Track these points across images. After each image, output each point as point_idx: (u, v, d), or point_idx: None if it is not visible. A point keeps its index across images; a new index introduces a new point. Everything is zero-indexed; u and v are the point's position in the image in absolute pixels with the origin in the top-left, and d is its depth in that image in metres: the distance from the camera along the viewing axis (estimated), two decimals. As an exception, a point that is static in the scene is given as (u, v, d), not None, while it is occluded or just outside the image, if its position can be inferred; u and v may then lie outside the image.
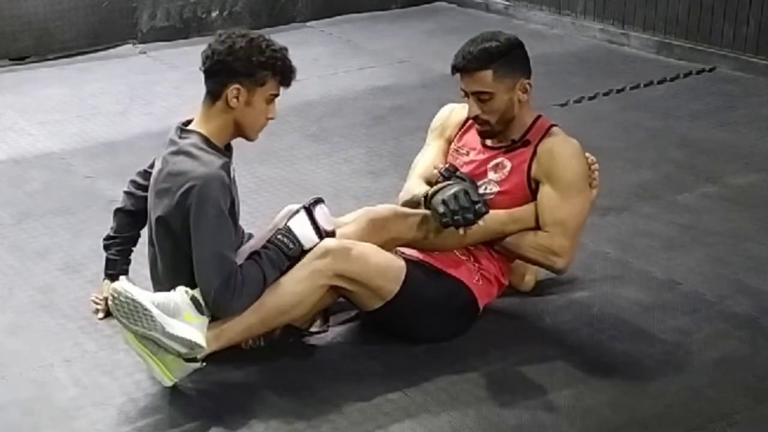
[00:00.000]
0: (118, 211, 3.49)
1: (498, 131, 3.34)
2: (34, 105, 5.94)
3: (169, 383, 3.01)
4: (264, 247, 3.13)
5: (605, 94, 5.98)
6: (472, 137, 3.45)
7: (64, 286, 3.78)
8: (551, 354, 3.30)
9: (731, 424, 2.93)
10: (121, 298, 2.92)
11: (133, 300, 2.91)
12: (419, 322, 3.28)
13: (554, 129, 3.39)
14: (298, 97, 6.00)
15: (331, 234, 3.18)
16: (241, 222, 4.24)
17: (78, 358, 3.30)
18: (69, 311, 3.59)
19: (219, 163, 3.07)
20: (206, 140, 3.12)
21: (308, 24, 7.75)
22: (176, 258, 3.13)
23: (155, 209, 3.14)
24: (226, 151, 3.19)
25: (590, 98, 5.91)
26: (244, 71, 3.08)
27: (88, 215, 4.41)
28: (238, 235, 3.26)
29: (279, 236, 3.13)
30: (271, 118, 3.21)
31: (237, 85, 3.08)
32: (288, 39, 8.04)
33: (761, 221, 4.28)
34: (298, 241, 3.12)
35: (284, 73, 3.15)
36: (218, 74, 3.10)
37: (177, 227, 3.08)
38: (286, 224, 3.16)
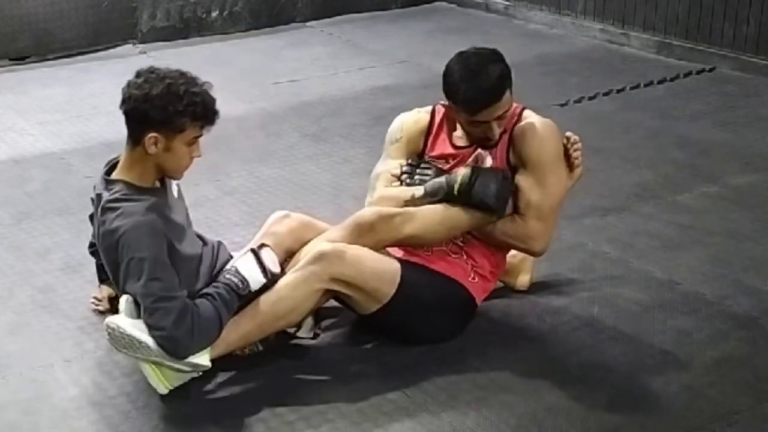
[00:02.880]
0: (91, 217, 3.44)
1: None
2: (34, 105, 5.95)
3: (165, 391, 3.01)
4: (214, 286, 3.06)
5: (605, 94, 5.98)
6: (442, 144, 3.42)
7: (64, 286, 3.78)
8: (551, 354, 3.30)
9: (731, 424, 2.93)
10: (116, 334, 2.93)
11: (129, 335, 2.91)
12: (417, 324, 3.28)
13: (526, 112, 3.36)
14: (298, 97, 6.01)
15: (278, 276, 3.14)
16: (241, 222, 4.27)
17: (78, 358, 3.30)
18: (69, 311, 3.59)
19: (144, 206, 2.99)
20: (131, 186, 3.05)
21: (308, 24, 7.76)
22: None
23: (107, 267, 3.13)
24: (159, 188, 3.12)
25: (590, 98, 5.92)
26: (161, 119, 2.96)
27: (88, 215, 4.40)
28: (190, 261, 3.14)
29: (228, 276, 3.07)
30: (197, 156, 3.10)
31: (154, 134, 2.98)
32: (288, 39, 8.08)
33: (761, 221, 4.28)
34: (247, 282, 3.07)
35: (205, 117, 3.02)
36: (135, 120, 3.01)
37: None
38: (233, 266, 3.11)
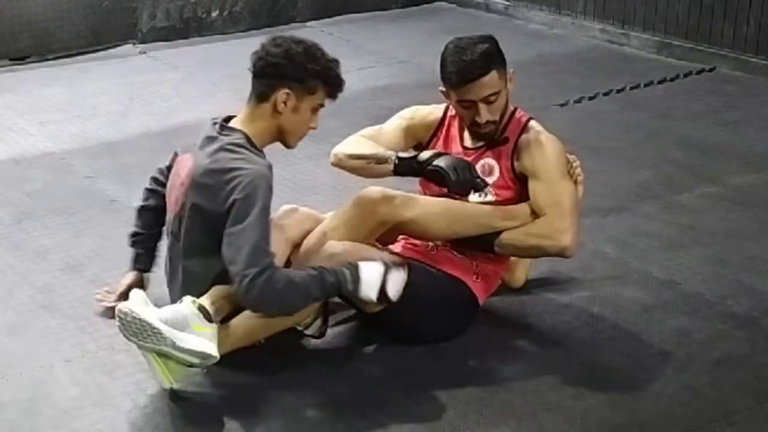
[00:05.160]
0: (142, 209, 3.47)
1: (497, 129, 3.34)
2: (34, 105, 5.94)
3: (168, 386, 3.00)
4: (324, 267, 3.05)
5: (605, 94, 5.98)
6: (451, 142, 3.44)
7: (64, 286, 3.78)
8: (551, 354, 3.30)
9: (731, 424, 2.94)
10: (128, 319, 2.90)
11: (141, 319, 2.89)
12: (421, 323, 3.28)
13: (531, 123, 3.39)
14: (298, 97, 6.00)
15: (389, 303, 3.11)
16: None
17: (78, 358, 3.30)
18: (69, 311, 3.59)
19: (266, 163, 3.06)
20: (251, 141, 3.10)
21: (308, 24, 7.75)
22: (202, 251, 3.08)
23: (189, 200, 3.08)
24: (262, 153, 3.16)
25: (590, 98, 5.91)
26: (298, 77, 3.07)
27: (88, 215, 4.41)
28: None
29: (346, 270, 3.05)
30: (313, 128, 3.19)
31: (287, 90, 3.07)
32: (288, 39, 7.94)
33: (761, 221, 4.28)
34: (359, 286, 3.06)
35: (335, 85, 3.14)
36: (270, 77, 3.09)
37: (214, 221, 3.01)
38: (358, 263, 3.08)
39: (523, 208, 3.29)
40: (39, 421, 2.99)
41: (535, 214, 3.26)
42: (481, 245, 3.31)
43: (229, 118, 3.19)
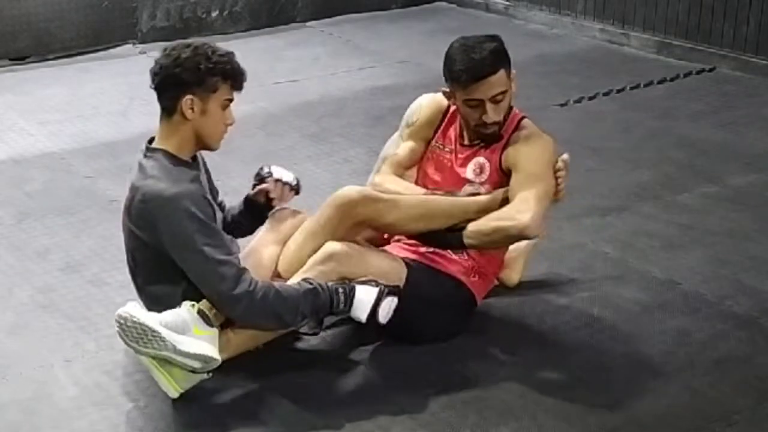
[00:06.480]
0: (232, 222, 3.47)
1: (499, 129, 3.34)
2: (34, 105, 5.94)
3: (175, 394, 2.99)
4: (318, 283, 3.07)
5: (605, 94, 5.98)
6: (451, 133, 3.44)
7: (64, 286, 3.78)
8: (551, 354, 3.30)
9: (731, 424, 2.94)
10: (128, 324, 2.89)
11: (141, 324, 2.88)
12: (420, 322, 3.28)
13: (525, 121, 3.38)
14: (298, 97, 6.01)
15: (378, 325, 3.15)
16: (241, 222, 4.25)
17: (78, 358, 3.30)
18: (69, 311, 3.59)
19: (188, 177, 3.03)
20: (171, 156, 3.07)
21: (308, 24, 7.76)
22: (162, 275, 3.07)
23: (132, 231, 3.08)
24: (193, 162, 3.14)
25: (590, 98, 5.92)
26: (194, 80, 3.02)
27: (88, 215, 4.41)
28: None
29: (341, 292, 3.09)
30: (230, 124, 3.14)
31: (190, 96, 3.02)
32: (288, 39, 8.07)
33: (761, 221, 4.28)
34: (351, 306, 3.10)
35: (234, 77, 3.09)
36: (169, 88, 3.04)
37: (157, 247, 3.02)
38: (354, 284, 3.12)
39: (494, 196, 3.26)
40: (39, 421, 2.99)
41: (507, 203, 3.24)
42: (452, 242, 3.27)
43: (154, 138, 3.15)
